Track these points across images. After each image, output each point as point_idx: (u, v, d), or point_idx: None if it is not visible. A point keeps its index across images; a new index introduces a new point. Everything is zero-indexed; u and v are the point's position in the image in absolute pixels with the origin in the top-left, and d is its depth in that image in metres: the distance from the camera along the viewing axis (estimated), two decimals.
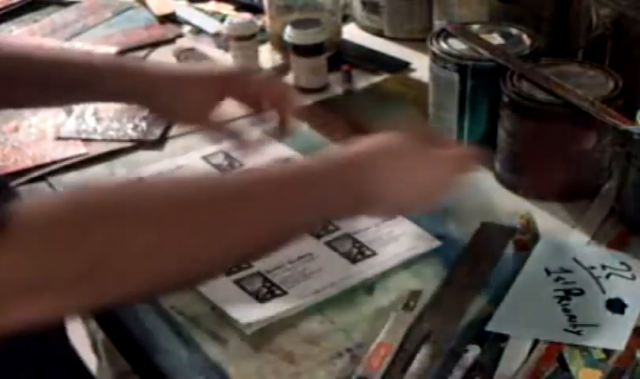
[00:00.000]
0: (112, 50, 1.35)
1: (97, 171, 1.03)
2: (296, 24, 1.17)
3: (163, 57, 1.34)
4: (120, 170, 1.01)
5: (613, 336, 0.73)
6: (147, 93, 0.88)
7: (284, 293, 0.79)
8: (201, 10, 1.48)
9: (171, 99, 0.88)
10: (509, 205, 0.92)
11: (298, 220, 0.65)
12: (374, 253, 0.84)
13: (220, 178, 0.71)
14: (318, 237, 0.87)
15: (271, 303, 0.78)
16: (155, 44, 1.38)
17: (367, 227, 0.87)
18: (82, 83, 0.87)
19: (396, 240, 0.86)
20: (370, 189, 0.67)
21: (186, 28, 1.43)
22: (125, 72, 0.89)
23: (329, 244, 0.86)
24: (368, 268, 0.82)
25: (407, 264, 0.83)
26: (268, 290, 0.80)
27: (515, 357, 0.71)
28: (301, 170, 0.67)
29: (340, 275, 0.81)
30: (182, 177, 0.76)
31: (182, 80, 0.89)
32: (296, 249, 0.84)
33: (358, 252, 0.84)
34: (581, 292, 0.78)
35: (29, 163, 1.04)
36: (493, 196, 0.94)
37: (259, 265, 0.82)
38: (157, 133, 1.09)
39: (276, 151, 1.02)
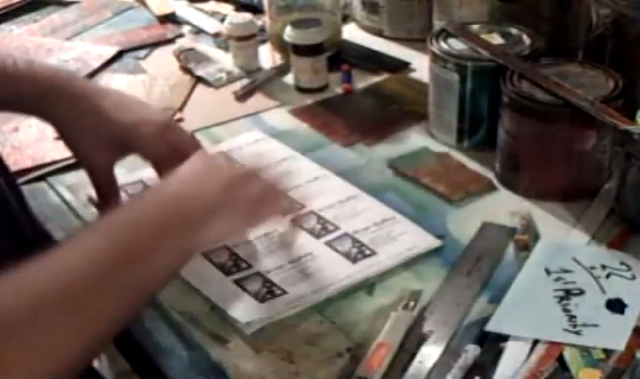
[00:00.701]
0: (112, 50, 1.35)
1: None
2: (296, 24, 1.17)
3: (163, 57, 1.34)
4: (120, 170, 1.00)
5: (613, 336, 0.73)
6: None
7: (285, 293, 0.79)
8: (201, 10, 1.49)
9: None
10: (509, 205, 0.92)
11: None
12: (374, 253, 0.84)
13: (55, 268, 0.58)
14: (318, 237, 0.87)
15: (271, 303, 0.78)
16: (155, 44, 1.39)
17: (366, 227, 0.87)
18: None
19: (396, 240, 0.86)
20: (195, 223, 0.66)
21: (186, 28, 1.43)
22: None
23: (329, 244, 0.86)
24: (368, 268, 0.82)
25: (407, 264, 0.83)
26: (268, 290, 0.79)
27: (515, 357, 0.71)
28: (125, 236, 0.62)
29: (340, 274, 0.81)
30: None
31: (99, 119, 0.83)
32: (296, 249, 0.84)
33: (358, 251, 0.84)
34: (581, 292, 0.78)
35: (29, 163, 1.04)
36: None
37: (259, 265, 0.82)
38: None
39: (275, 152, 1.02)
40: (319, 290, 0.79)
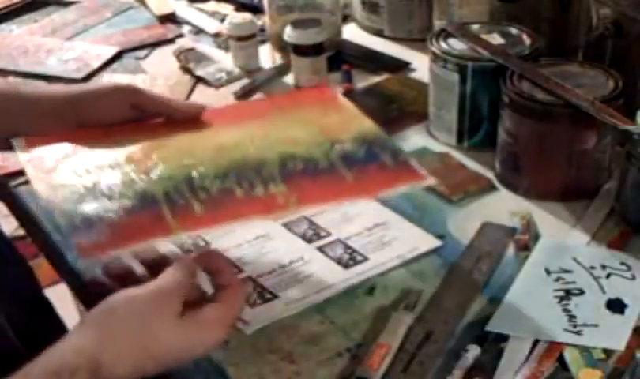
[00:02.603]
0: (112, 50, 1.35)
1: None
2: (296, 24, 1.17)
3: (163, 57, 1.34)
4: None
5: (613, 336, 0.73)
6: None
7: (275, 297, 0.79)
8: (201, 10, 1.49)
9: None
10: (509, 205, 0.92)
11: None
12: (365, 259, 0.84)
13: None
14: (310, 241, 0.86)
15: (262, 308, 0.78)
16: (155, 44, 1.39)
17: (358, 232, 0.87)
18: None
19: (389, 245, 0.85)
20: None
21: (186, 28, 1.43)
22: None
23: (320, 249, 0.85)
24: (360, 274, 0.82)
25: (407, 264, 0.83)
26: (259, 295, 0.79)
27: (515, 357, 0.71)
28: None
29: (331, 280, 0.81)
30: None
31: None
32: (287, 253, 0.84)
33: (349, 257, 0.84)
34: (581, 292, 0.78)
35: None
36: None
37: (250, 270, 0.82)
38: None
39: None
40: (310, 295, 0.79)
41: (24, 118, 0.81)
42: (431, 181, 0.76)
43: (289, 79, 1.22)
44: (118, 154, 0.76)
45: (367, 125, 0.81)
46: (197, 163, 0.74)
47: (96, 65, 1.30)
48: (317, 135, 0.79)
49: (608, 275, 0.80)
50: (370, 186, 0.74)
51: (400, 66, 1.26)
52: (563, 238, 0.87)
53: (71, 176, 0.73)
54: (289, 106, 0.84)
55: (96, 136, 0.79)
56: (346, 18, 1.38)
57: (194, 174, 0.73)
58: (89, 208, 0.69)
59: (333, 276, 0.81)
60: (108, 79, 1.27)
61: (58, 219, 0.69)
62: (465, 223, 0.89)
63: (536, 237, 0.87)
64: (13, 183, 0.99)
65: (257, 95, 1.20)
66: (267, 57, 1.29)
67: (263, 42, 1.31)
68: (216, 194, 0.71)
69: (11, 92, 0.84)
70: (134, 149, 0.77)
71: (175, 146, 0.77)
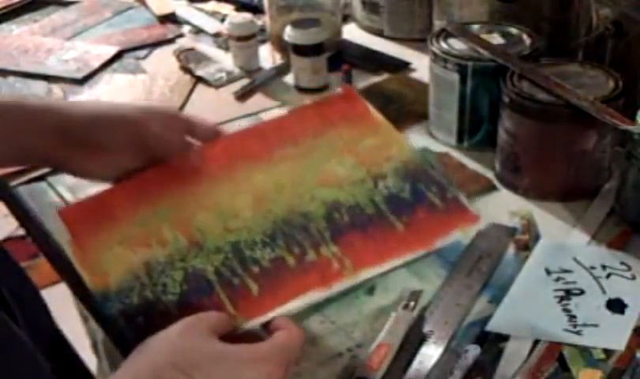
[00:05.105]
0: (112, 50, 1.35)
1: None
2: (296, 24, 1.18)
3: (163, 57, 1.34)
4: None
5: (613, 336, 0.73)
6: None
7: None
8: (201, 10, 1.49)
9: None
10: (509, 205, 0.92)
11: None
12: None
13: None
14: None
15: None
16: (155, 44, 1.39)
17: None
18: None
19: None
20: None
21: (186, 28, 1.44)
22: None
23: None
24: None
25: (407, 264, 0.83)
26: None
27: (515, 357, 0.71)
28: None
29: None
30: None
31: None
32: None
33: None
34: (581, 292, 0.78)
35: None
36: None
37: None
38: None
39: None
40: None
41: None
42: (481, 223, 0.73)
43: (289, 79, 1.22)
44: (161, 219, 0.73)
45: (405, 149, 0.78)
46: (240, 226, 0.72)
47: (96, 65, 1.30)
48: (355, 168, 0.77)
49: (608, 275, 0.80)
50: (425, 236, 0.72)
51: (400, 66, 1.26)
52: (563, 238, 0.87)
53: (119, 258, 0.71)
54: (318, 127, 0.80)
55: (132, 193, 0.75)
56: (346, 18, 1.39)
57: (241, 242, 0.71)
58: (146, 302, 0.68)
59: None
60: (109, 78, 1.27)
61: (114, 313, 0.68)
62: None
63: (536, 237, 0.87)
64: (13, 183, 0.99)
65: (258, 96, 1.20)
66: (267, 57, 1.29)
67: (263, 42, 1.31)
68: (269, 266, 0.69)
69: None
70: (175, 212, 0.74)
71: (214, 201, 0.74)
